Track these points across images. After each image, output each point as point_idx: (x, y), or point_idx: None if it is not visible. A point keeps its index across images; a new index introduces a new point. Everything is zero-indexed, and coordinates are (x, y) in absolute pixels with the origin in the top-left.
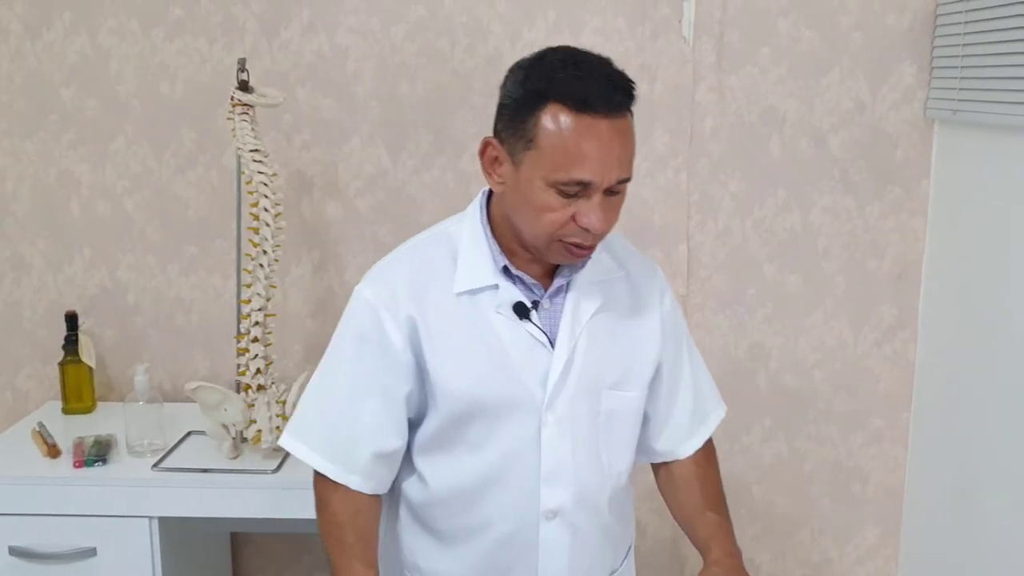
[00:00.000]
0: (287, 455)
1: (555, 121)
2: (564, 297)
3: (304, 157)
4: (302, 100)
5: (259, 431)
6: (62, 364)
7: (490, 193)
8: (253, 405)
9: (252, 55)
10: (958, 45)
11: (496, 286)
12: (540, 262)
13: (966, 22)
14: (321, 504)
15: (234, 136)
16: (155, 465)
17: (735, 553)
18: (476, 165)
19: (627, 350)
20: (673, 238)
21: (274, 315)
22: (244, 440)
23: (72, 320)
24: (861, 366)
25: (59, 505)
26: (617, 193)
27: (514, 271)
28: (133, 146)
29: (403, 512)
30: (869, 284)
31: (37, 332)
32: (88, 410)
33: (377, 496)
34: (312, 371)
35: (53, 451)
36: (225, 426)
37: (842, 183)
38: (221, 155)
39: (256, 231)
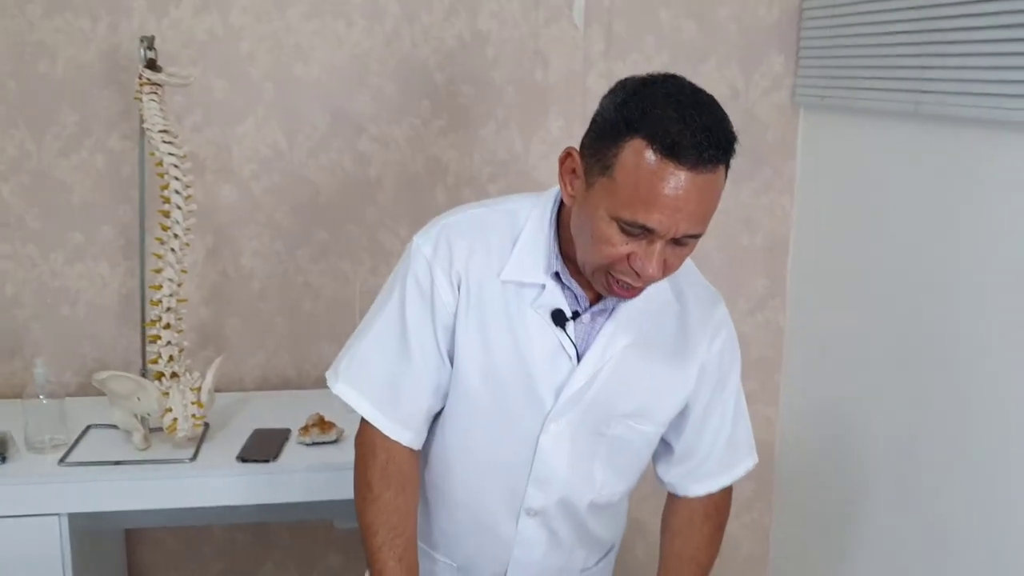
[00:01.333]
0: (202, 443)
1: (638, 157)
2: (607, 318)
3: (196, 139)
4: (194, 81)
5: (175, 419)
6: None
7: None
8: (167, 393)
9: (139, 34)
10: (823, 37)
11: (543, 287)
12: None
13: (831, 16)
14: (366, 464)
15: (142, 117)
16: (62, 460)
17: None
18: (373, 146)
19: (654, 387)
20: None
21: (185, 300)
22: (156, 430)
23: None
24: (737, 333)
25: None
26: (685, 245)
27: (564, 278)
28: (9, 128)
29: None
30: (743, 258)
31: None
32: None
33: (415, 450)
34: (205, 365)
35: None
36: (137, 416)
37: None
38: (107, 137)
39: (167, 214)
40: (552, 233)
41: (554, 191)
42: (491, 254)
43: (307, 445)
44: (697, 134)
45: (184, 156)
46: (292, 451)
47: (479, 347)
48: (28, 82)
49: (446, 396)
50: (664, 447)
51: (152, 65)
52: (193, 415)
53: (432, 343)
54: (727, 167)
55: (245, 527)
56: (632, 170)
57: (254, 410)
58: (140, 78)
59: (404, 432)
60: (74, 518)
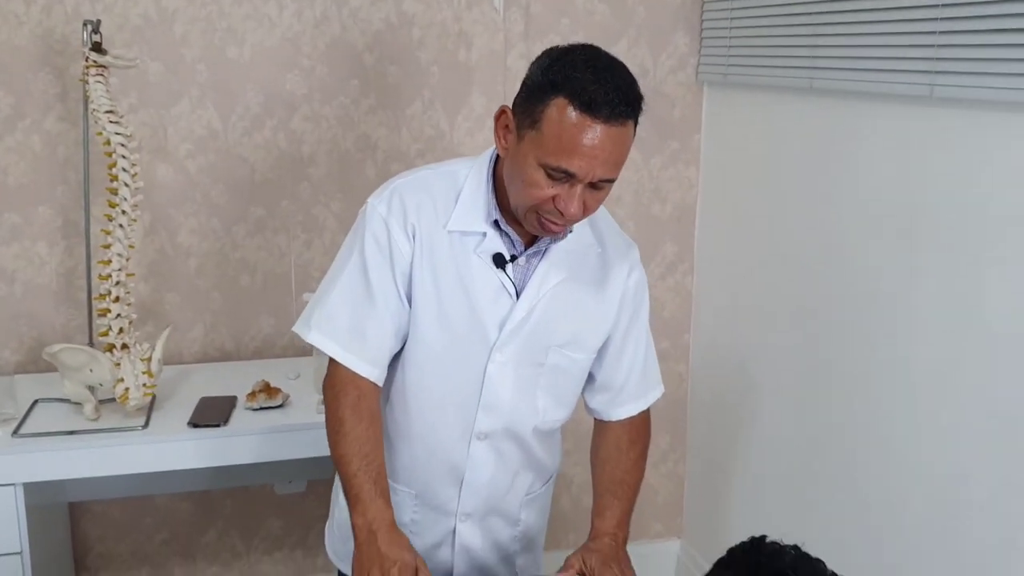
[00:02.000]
0: (151, 412)
1: (561, 113)
2: (540, 259)
3: (132, 120)
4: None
5: (127, 389)
6: None
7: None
8: (119, 364)
9: (74, 17)
10: (724, 19)
11: (484, 234)
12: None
13: None
14: (335, 402)
15: (87, 98)
16: (15, 433)
17: (617, 534)
18: (305, 125)
19: (582, 317)
20: None
21: (133, 275)
22: (105, 401)
23: None
24: (649, 296)
25: None
26: (600, 189)
27: (503, 225)
28: None
29: None
30: (654, 226)
31: None
32: None
33: (379, 385)
34: (154, 336)
35: None
36: (89, 387)
37: None
38: (43, 120)
39: (115, 192)
40: (489, 187)
41: (489, 153)
42: (437, 208)
43: (254, 410)
44: (610, 93)
45: (130, 136)
46: (240, 416)
47: (432, 291)
48: None
49: (405, 337)
50: (590, 378)
51: (98, 48)
52: (144, 384)
53: (393, 289)
54: (635, 123)
55: (187, 496)
56: (556, 123)
57: (197, 381)
58: (86, 60)
59: (372, 370)
60: (28, 488)
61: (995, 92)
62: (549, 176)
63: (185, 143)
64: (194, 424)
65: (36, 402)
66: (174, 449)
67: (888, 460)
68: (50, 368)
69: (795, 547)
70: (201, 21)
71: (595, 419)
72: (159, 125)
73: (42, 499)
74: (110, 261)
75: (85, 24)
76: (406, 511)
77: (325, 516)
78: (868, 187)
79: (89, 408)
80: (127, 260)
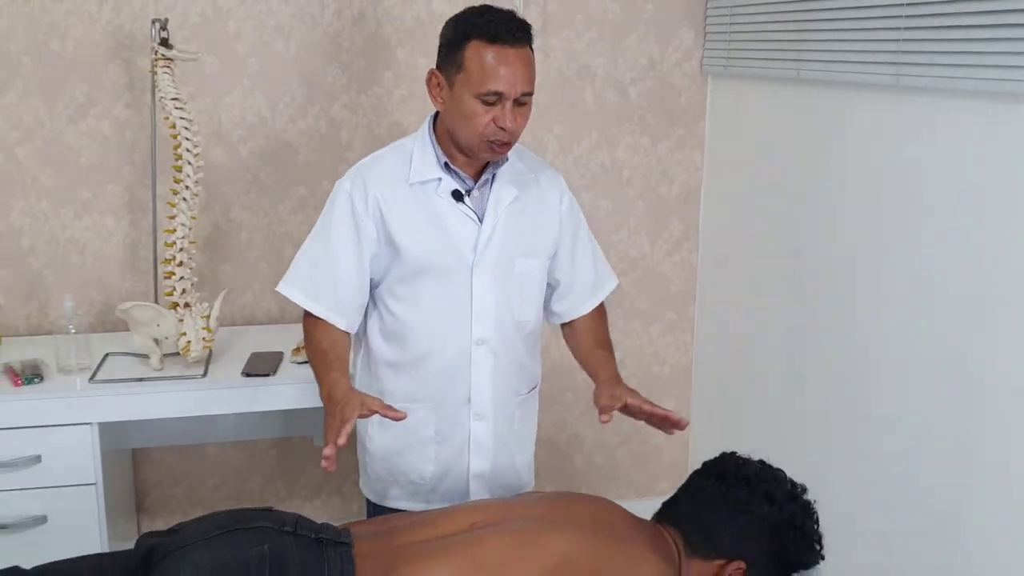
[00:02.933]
0: (209, 363)
1: (476, 51)
2: (489, 189)
3: (191, 108)
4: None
5: (189, 342)
6: None
7: (435, 116)
8: (182, 320)
9: (140, 16)
10: (725, 15)
11: (439, 179)
12: (472, 164)
13: None
14: (308, 336)
15: (155, 87)
16: (91, 379)
17: (617, 375)
18: (344, 112)
19: (534, 229)
20: None
21: (196, 242)
22: (168, 355)
23: None
24: (657, 272)
25: (3, 419)
26: (524, 104)
27: (452, 167)
28: (25, 99)
29: (374, 352)
30: (661, 206)
31: None
32: None
33: (347, 333)
34: (212, 298)
35: None
36: (155, 340)
37: (639, 125)
38: (112, 107)
39: (179, 169)
40: (433, 141)
41: (424, 122)
42: (396, 172)
43: (299, 363)
44: (506, 24)
45: (192, 120)
46: (287, 368)
47: (410, 236)
48: (42, 59)
49: (367, 292)
50: (550, 289)
51: (165, 43)
52: (203, 338)
53: (353, 249)
54: (531, 48)
55: (236, 445)
56: (477, 60)
57: (248, 339)
58: (155, 54)
59: (328, 312)
60: (101, 429)
61: (955, 81)
62: (484, 103)
63: (237, 129)
64: (247, 373)
65: (107, 355)
66: (229, 395)
67: (867, 409)
68: (117, 328)
69: (760, 460)
70: (252, 19)
71: (562, 325)
72: (214, 112)
73: (111, 444)
74: (175, 230)
75: (154, 22)
76: (429, 425)
77: (357, 465)
78: (847, 167)
79: (155, 359)
80: (189, 230)
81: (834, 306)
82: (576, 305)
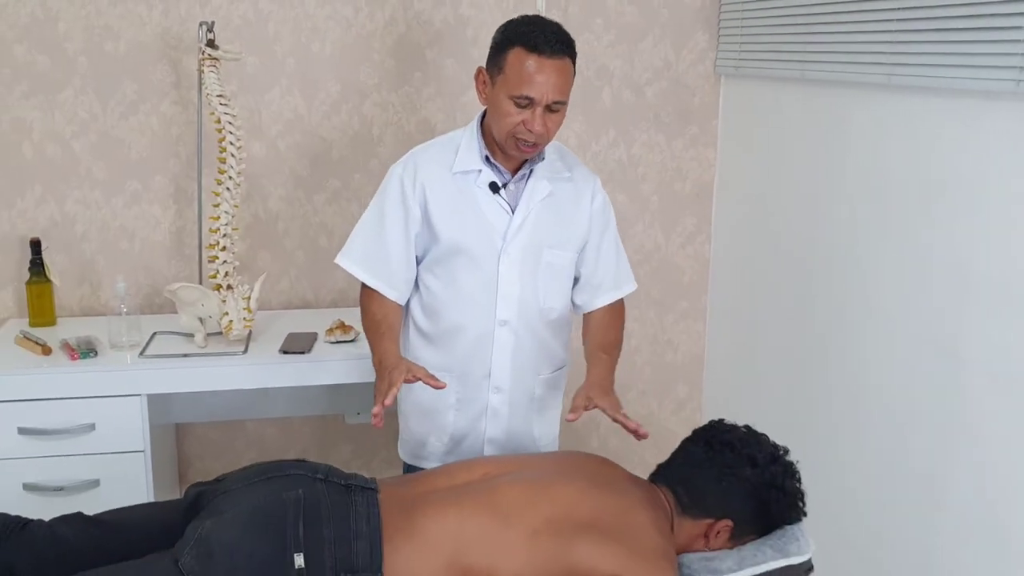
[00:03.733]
0: (249, 342)
1: (517, 57)
2: (526, 183)
3: (234, 105)
4: (243, 56)
5: (231, 321)
6: (28, 283)
7: (484, 113)
8: (225, 301)
9: (187, 19)
10: (738, 18)
11: (480, 170)
12: (511, 159)
13: (744, 1)
14: (363, 309)
15: (202, 84)
16: (141, 354)
17: (606, 378)
18: (375, 110)
19: (564, 223)
20: None
21: (238, 229)
22: (212, 334)
23: (36, 246)
24: (671, 263)
25: (61, 390)
26: (556, 112)
27: (492, 160)
28: (80, 96)
29: (412, 323)
30: (675, 201)
31: None
32: (51, 323)
33: (398, 305)
34: (252, 280)
35: (45, 350)
36: (200, 319)
37: (655, 124)
38: (160, 104)
39: (223, 161)
40: (478, 136)
41: (477, 116)
42: (443, 160)
43: (332, 343)
44: (548, 36)
45: (236, 115)
46: (321, 347)
47: (449, 219)
48: (96, 58)
49: (415, 267)
50: (576, 280)
51: (211, 44)
52: (244, 318)
53: (403, 229)
54: (573, 61)
55: (272, 422)
56: (515, 65)
57: (285, 321)
58: (202, 54)
59: (380, 284)
60: (151, 399)
61: (942, 81)
62: (517, 104)
63: (276, 124)
64: (284, 351)
65: (155, 334)
66: (267, 371)
67: (867, 394)
68: (163, 309)
69: (746, 426)
70: (290, 22)
71: (583, 315)
72: (255, 109)
73: (157, 418)
74: (219, 218)
75: (201, 24)
76: (452, 393)
77: (388, 444)
78: (847, 164)
79: (200, 336)
80: (232, 217)
81: (836, 295)
82: (593, 299)
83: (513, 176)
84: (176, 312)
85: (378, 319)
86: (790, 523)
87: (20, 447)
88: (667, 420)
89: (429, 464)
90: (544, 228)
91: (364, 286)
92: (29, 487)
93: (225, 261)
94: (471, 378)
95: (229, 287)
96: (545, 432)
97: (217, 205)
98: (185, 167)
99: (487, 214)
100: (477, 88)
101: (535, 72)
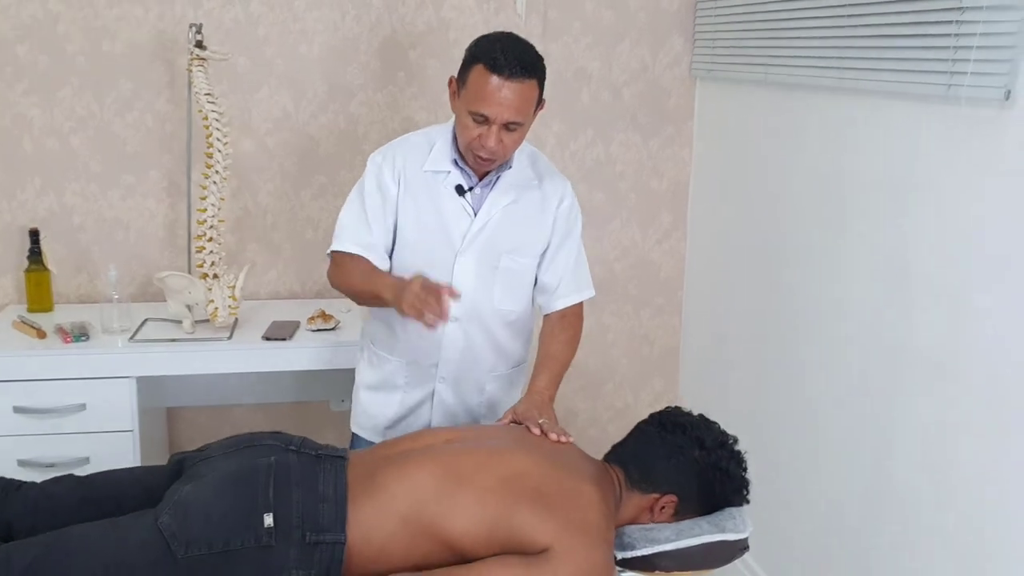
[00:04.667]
0: (234, 328)
1: (478, 74)
2: (491, 189)
3: (223, 103)
4: (231, 57)
5: (216, 308)
6: (27, 271)
7: None
8: (211, 289)
9: (181, 20)
10: (712, 23)
11: (449, 172)
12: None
13: (718, 5)
14: (345, 275)
15: (191, 84)
16: (131, 338)
17: (544, 392)
18: (361, 109)
19: (524, 231)
20: None
21: (224, 220)
22: (199, 322)
23: (35, 236)
24: (647, 259)
25: (55, 372)
26: (513, 131)
27: (461, 164)
28: (78, 94)
29: (371, 312)
30: (652, 198)
31: None
32: (48, 309)
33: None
34: (237, 271)
35: (40, 333)
36: (188, 306)
37: (632, 124)
38: (155, 101)
39: (210, 156)
40: (451, 139)
41: (451, 119)
42: (418, 155)
43: (313, 331)
44: (511, 58)
45: (223, 113)
46: (302, 335)
47: (413, 214)
48: (94, 58)
49: (391, 245)
50: (536, 282)
51: (200, 45)
52: (230, 306)
53: (381, 207)
54: (538, 84)
55: (259, 408)
56: (476, 82)
57: (270, 310)
58: (191, 55)
59: (367, 252)
60: (140, 382)
61: (887, 84)
62: (474, 120)
63: (265, 122)
64: (266, 337)
65: (146, 320)
66: (251, 356)
67: (828, 377)
68: (156, 298)
69: (700, 414)
70: (279, 24)
71: (544, 316)
72: (244, 107)
73: (148, 401)
74: (206, 210)
75: (191, 26)
76: (400, 376)
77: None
78: (805, 163)
79: (187, 323)
80: (219, 210)
81: (800, 291)
82: (551, 301)
83: (480, 181)
84: (166, 300)
85: (365, 269)
86: (732, 506)
87: (15, 425)
88: (643, 412)
89: (376, 438)
90: (503, 234)
91: (334, 263)
92: (23, 463)
93: (212, 251)
94: (420, 366)
95: (215, 276)
96: (492, 421)
97: (204, 198)
98: (178, 162)
99: (449, 215)
100: (449, 95)
101: (493, 92)
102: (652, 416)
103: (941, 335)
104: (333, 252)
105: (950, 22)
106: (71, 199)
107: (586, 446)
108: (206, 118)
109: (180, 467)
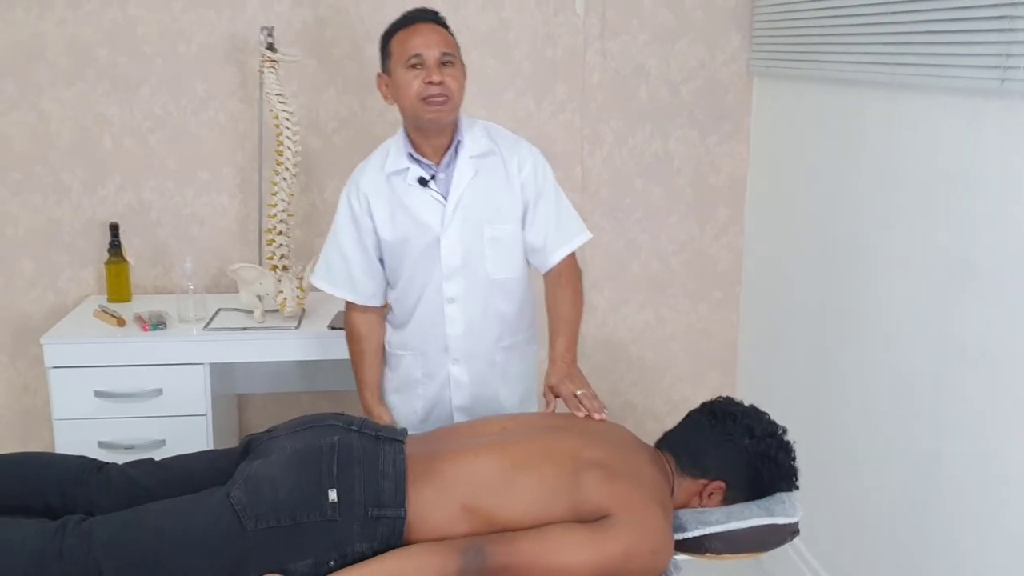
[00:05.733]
0: (302, 319)
1: (396, 38)
2: (453, 170)
3: (293, 102)
4: (300, 59)
5: (285, 299)
6: (107, 263)
7: None
8: (281, 280)
9: (252, 23)
10: (770, 20)
11: (407, 168)
12: (432, 145)
13: (774, 4)
14: (346, 322)
15: (262, 84)
16: (205, 327)
17: (566, 356)
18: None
19: (497, 197)
20: (571, 162)
21: (293, 215)
22: (269, 312)
23: (115, 230)
24: (705, 254)
25: (133, 358)
26: (450, 64)
27: (415, 155)
28: (156, 94)
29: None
30: (709, 193)
31: (75, 243)
32: (127, 300)
33: (368, 308)
34: (305, 263)
35: (120, 322)
36: (258, 297)
37: (690, 120)
38: (228, 101)
39: (280, 153)
40: (404, 137)
41: (401, 123)
42: (377, 167)
43: None
44: (414, 12)
45: (293, 112)
46: None
47: (388, 217)
48: (170, 60)
49: (381, 272)
50: (527, 244)
51: (271, 47)
52: (298, 297)
53: (357, 243)
54: (447, 29)
55: (324, 394)
56: (398, 42)
57: (335, 302)
58: (262, 56)
59: (355, 296)
60: (213, 369)
61: (937, 80)
62: (412, 67)
63: (332, 121)
64: (332, 327)
65: (219, 310)
66: (317, 344)
67: (886, 372)
68: (229, 289)
69: (751, 405)
70: (346, 27)
71: (544, 278)
72: (313, 107)
73: (220, 387)
74: (275, 205)
75: (262, 29)
76: (416, 369)
77: None
78: (864, 159)
79: (257, 313)
80: (288, 205)
81: (856, 287)
82: (546, 259)
83: (439, 166)
84: (238, 291)
85: (354, 341)
86: (781, 492)
87: (96, 408)
88: None
89: None
90: (478, 207)
91: (348, 309)
92: (103, 444)
93: (281, 244)
94: (431, 353)
95: (284, 268)
96: (511, 394)
97: (274, 194)
98: (249, 159)
99: (420, 208)
100: (381, 92)
101: (414, 34)
102: (704, 405)
103: (1000, 332)
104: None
105: (1002, 17)
106: (149, 195)
107: (646, 440)
108: (276, 117)
109: (249, 447)
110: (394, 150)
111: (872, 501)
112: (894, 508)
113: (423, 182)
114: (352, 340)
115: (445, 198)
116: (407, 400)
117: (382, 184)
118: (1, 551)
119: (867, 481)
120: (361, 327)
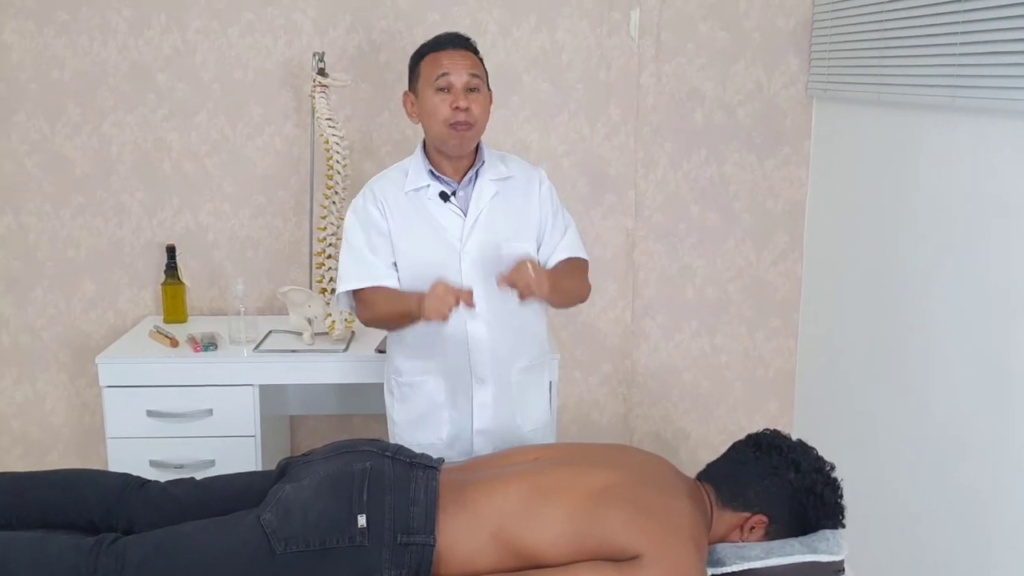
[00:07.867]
0: (350, 341)
1: (426, 60)
2: (473, 187)
3: (347, 127)
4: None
5: (333, 322)
6: (164, 284)
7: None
8: (329, 303)
9: (307, 49)
10: (829, 43)
11: (428, 185)
12: (454, 165)
13: (835, 26)
14: (368, 308)
15: (313, 109)
16: (256, 349)
17: (549, 272)
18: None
19: (515, 217)
20: (624, 185)
21: (342, 239)
22: (318, 334)
23: (171, 251)
24: (762, 280)
25: (185, 378)
26: (476, 90)
27: (436, 173)
28: (213, 119)
29: (391, 337)
30: (767, 218)
31: (135, 264)
32: (183, 320)
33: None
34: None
35: (173, 343)
36: (308, 319)
37: (747, 144)
38: (283, 126)
39: (331, 178)
40: (423, 156)
41: (420, 142)
42: (396, 183)
43: None
44: (446, 37)
45: (343, 136)
46: None
47: (407, 235)
48: (227, 85)
49: (391, 260)
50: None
51: (322, 72)
52: (346, 320)
53: (377, 243)
54: (477, 55)
55: (376, 417)
56: (427, 64)
57: None
58: (313, 81)
59: (382, 281)
60: (263, 391)
61: (1000, 103)
62: (439, 90)
63: (385, 145)
64: (379, 351)
65: (270, 332)
66: (365, 367)
67: (946, 400)
68: (281, 311)
69: (799, 439)
70: (399, 51)
71: None
72: (367, 131)
73: (271, 408)
74: (325, 228)
75: (314, 55)
76: (440, 393)
77: None
78: (921, 184)
79: (307, 335)
80: (337, 228)
81: (915, 314)
82: (550, 262)
83: (460, 183)
84: (288, 313)
85: (387, 295)
86: (826, 529)
87: (148, 428)
88: None
89: None
90: (497, 223)
91: (359, 301)
92: (155, 463)
93: (331, 268)
94: (456, 373)
95: (333, 291)
96: (528, 419)
97: (324, 217)
98: (304, 183)
99: (441, 221)
100: (406, 111)
101: (443, 58)
102: (749, 436)
103: None
104: (356, 291)
105: None
106: (206, 218)
107: (697, 469)
108: (327, 142)
109: (285, 470)
110: (413, 168)
111: (924, 538)
112: (948, 545)
113: (444, 196)
114: (369, 307)
115: (465, 213)
116: (432, 427)
117: (402, 200)
118: (37, 565)
119: (918, 514)
120: (369, 295)
